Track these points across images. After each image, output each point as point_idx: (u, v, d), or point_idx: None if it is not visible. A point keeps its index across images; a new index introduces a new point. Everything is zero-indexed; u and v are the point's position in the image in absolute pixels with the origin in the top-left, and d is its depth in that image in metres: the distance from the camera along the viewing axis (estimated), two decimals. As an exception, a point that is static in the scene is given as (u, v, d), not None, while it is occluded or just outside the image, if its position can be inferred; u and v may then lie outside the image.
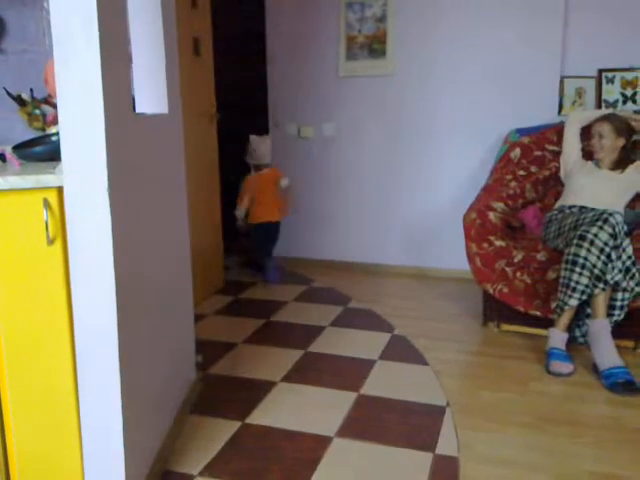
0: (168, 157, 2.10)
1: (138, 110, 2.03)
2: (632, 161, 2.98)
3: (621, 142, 2.96)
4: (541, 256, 2.86)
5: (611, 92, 3.68)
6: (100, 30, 1.42)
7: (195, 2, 3.34)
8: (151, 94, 2.05)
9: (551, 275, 2.78)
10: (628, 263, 2.53)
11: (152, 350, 1.85)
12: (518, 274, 2.86)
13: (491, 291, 2.90)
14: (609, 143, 2.95)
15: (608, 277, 2.52)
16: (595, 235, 2.51)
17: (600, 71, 3.68)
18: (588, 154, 3.16)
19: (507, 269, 2.88)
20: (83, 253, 1.50)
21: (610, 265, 2.52)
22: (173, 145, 2.17)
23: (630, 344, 2.76)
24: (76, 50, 1.42)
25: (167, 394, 2.02)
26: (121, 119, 1.57)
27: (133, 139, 1.69)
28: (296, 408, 2.27)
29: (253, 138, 3.88)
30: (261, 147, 3.89)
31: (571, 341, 2.69)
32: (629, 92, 3.64)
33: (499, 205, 3.07)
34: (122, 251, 1.55)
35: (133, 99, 2.02)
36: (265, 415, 2.21)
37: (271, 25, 4.18)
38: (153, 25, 2.00)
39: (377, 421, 2.17)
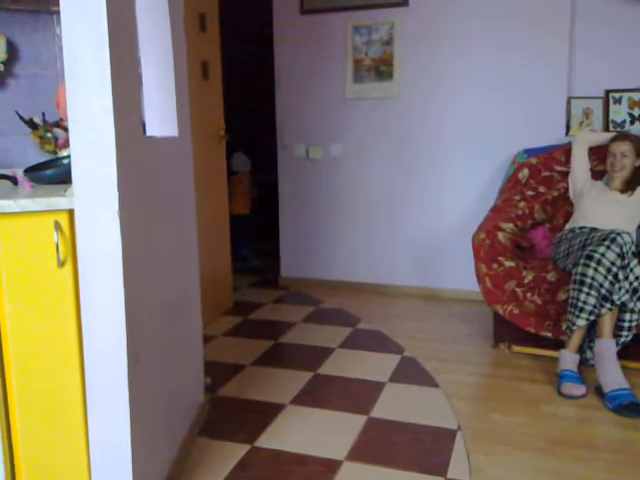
0: (178, 179, 2.11)
1: (149, 133, 2.05)
2: (639, 182, 2.97)
3: (638, 162, 2.96)
4: (551, 277, 2.84)
5: (618, 112, 3.68)
6: (111, 55, 1.44)
7: (204, 27, 3.39)
8: (161, 117, 2.07)
9: (562, 296, 2.76)
10: (636, 284, 2.51)
11: (161, 372, 1.84)
12: (528, 295, 2.84)
13: (501, 312, 2.88)
14: (630, 162, 2.94)
15: (615, 297, 2.50)
16: (602, 255, 2.50)
17: (607, 92, 3.70)
18: (597, 174, 3.16)
19: (517, 290, 2.86)
20: (93, 275, 1.50)
21: (617, 285, 2.50)
22: (183, 167, 2.18)
23: (641, 366, 2.73)
24: (87, 74, 1.44)
25: (176, 415, 2.00)
26: (132, 142, 1.59)
27: (144, 162, 1.70)
28: (305, 431, 2.24)
29: None
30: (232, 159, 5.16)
31: (583, 362, 2.66)
32: (636, 112, 3.64)
33: (508, 226, 3.06)
34: (132, 273, 1.55)
35: (144, 122, 2.05)
36: (274, 438, 2.19)
37: (279, 47, 4.23)
38: (163, 49, 2.03)
39: (387, 444, 2.14)
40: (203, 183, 3.27)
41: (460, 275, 3.86)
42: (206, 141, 3.42)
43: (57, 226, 1.49)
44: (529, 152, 3.50)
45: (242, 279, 4.49)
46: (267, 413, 2.38)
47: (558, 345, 2.70)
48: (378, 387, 2.62)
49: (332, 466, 2.00)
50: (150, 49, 2.03)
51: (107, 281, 1.50)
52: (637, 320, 2.55)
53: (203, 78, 3.41)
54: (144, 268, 1.67)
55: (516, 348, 2.99)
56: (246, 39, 5.68)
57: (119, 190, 1.48)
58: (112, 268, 1.49)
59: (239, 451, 2.10)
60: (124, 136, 1.51)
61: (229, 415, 2.38)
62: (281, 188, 4.39)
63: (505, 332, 2.98)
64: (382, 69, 4.01)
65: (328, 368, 2.83)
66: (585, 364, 2.67)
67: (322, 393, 2.56)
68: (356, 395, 2.54)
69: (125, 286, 1.50)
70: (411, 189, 4.06)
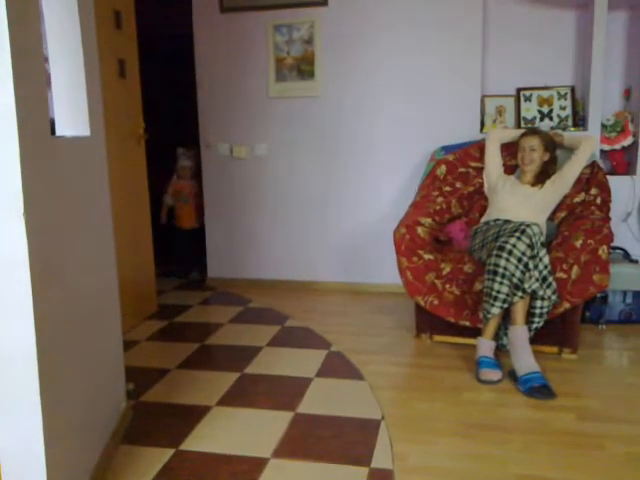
0: (91, 179, 2.05)
1: (58, 133, 1.98)
2: (549, 176, 3.13)
3: (547, 156, 3.11)
4: (467, 268, 2.96)
5: (529, 109, 3.87)
6: (12, 50, 1.39)
7: (119, 24, 3.30)
8: (72, 116, 2.01)
9: (478, 286, 2.88)
10: (545, 272, 2.65)
11: (76, 382, 1.78)
12: (447, 286, 2.94)
13: (422, 303, 2.97)
14: (539, 156, 3.08)
15: (526, 286, 2.63)
16: (513, 245, 2.62)
17: (518, 90, 3.88)
18: (509, 169, 3.31)
19: (437, 282, 2.96)
20: (-2, 281, 1.44)
21: (527, 274, 2.63)
22: (96, 167, 2.12)
23: (554, 350, 2.88)
24: (-14, 71, 1.38)
25: (94, 424, 1.94)
26: (38, 143, 1.53)
27: (51, 163, 1.64)
28: (232, 431, 2.23)
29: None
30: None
31: (499, 349, 2.79)
32: (545, 109, 3.84)
33: (427, 220, 3.16)
34: (41, 277, 1.50)
35: (53, 122, 1.97)
36: (200, 441, 2.17)
37: (200, 46, 4.17)
38: (72, 46, 1.96)
39: (313, 439, 2.16)
40: (121, 183, 3.19)
41: (384, 269, 3.95)
42: (124, 140, 3.34)
43: (-44, 231, 1.42)
44: (446, 149, 3.62)
45: (168, 282, 4.40)
46: (192, 416, 2.35)
47: (476, 333, 2.81)
48: (305, 383, 2.64)
49: (258, 464, 2.00)
50: (58, 45, 1.97)
51: (14, 286, 1.44)
52: (547, 307, 2.69)
53: (120, 76, 3.33)
54: (54, 271, 1.62)
55: (437, 338, 3.09)
56: (169, 38, 5.57)
57: (24, 193, 1.42)
58: (19, 272, 1.43)
59: (163, 456, 2.06)
60: (29, 136, 1.46)
61: (153, 420, 2.33)
62: (206, 188, 4.34)
63: (426, 323, 3.08)
64: (304, 68, 4.04)
65: (255, 367, 2.83)
66: (502, 350, 2.80)
67: (249, 393, 2.55)
68: (283, 392, 2.55)
69: (33, 291, 1.45)
70: (335, 187, 4.11)
